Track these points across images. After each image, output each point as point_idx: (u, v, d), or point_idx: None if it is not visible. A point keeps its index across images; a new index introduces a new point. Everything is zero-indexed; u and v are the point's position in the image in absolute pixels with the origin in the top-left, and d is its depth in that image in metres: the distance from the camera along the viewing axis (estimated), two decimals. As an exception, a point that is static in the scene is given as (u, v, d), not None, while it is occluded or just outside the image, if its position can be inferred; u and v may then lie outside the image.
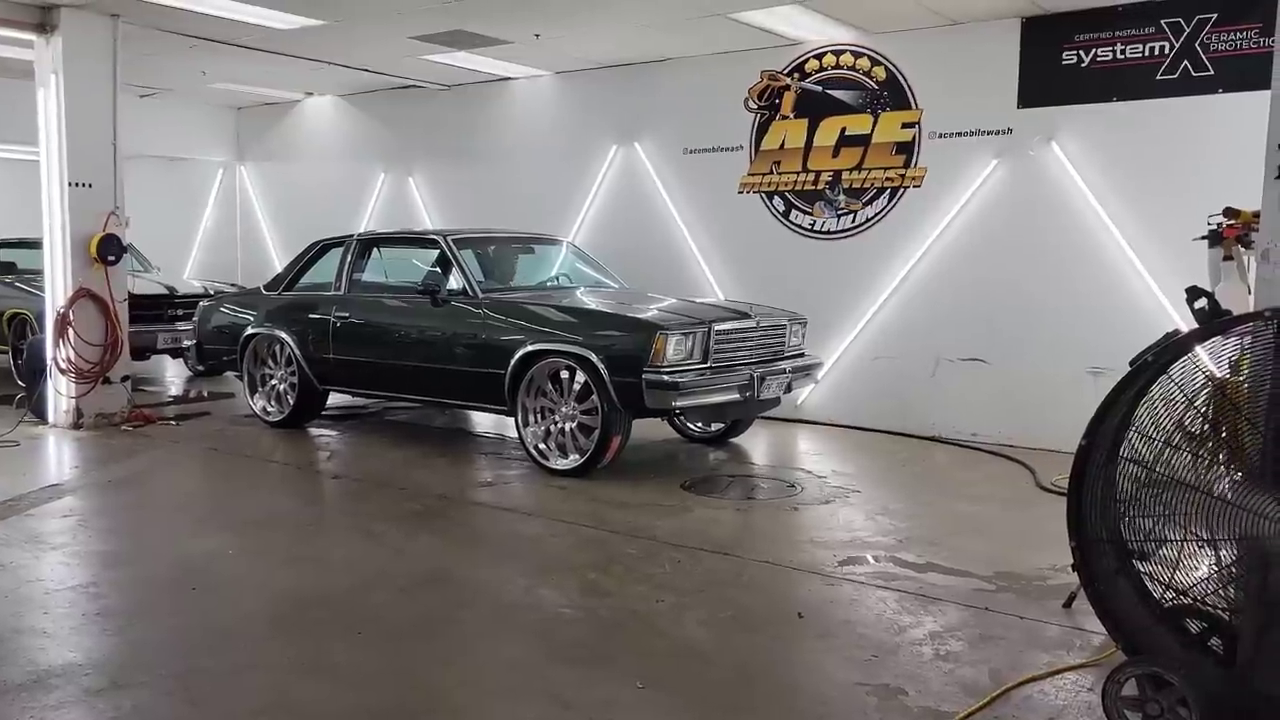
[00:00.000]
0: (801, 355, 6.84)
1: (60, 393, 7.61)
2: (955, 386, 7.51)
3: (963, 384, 7.47)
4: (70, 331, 7.47)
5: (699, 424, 7.25)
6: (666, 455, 6.98)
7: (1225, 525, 2.82)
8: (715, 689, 3.35)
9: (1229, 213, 3.97)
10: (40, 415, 7.76)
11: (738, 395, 6.18)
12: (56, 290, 7.60)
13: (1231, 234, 3.87)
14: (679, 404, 6.00)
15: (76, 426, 7.57)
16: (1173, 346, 2.87)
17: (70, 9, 7.27)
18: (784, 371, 6.49)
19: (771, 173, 8.31)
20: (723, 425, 7.19)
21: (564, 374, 6.23)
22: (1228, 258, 3.90)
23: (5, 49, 8.50)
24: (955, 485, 6.26)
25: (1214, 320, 2.85)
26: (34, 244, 8.72)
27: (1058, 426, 6.68)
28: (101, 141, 7.56)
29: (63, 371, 7.53)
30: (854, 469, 6.70)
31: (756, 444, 7.35)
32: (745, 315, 6.48)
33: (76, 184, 7.47)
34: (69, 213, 7.46)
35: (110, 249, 7.55)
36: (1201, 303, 2.87)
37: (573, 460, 6.22)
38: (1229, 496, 2.84)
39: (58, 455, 6.93)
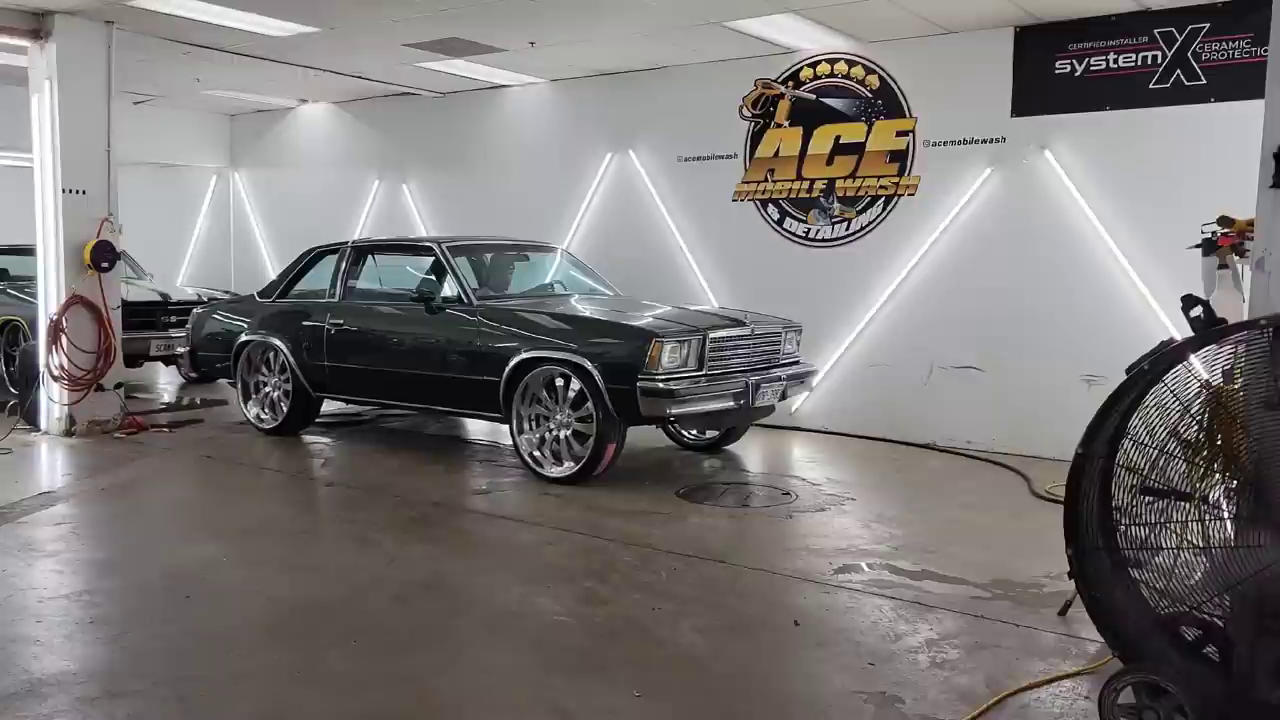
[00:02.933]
0: (796, 363, 6.85)
1: (53, 400, 7.58)
2: (949, 394, 7.52)
3: (957, 392, 7.49)
4: (63, 338, 7.45)
5: (694, 431, 7.26)
6: (661, 463, 6.97)
7: (1220, 533, 2.83)
8: (713, 697, 3.35)
9: (1223, 221, 3.99)
10: (32, 422, 7.73)
11: (733, 403, 6.19)
12: (49, 297, 7.58)
13: (1226, 242, 3.89)
14: (674, 411, 6.01)
15: (69, 434, 7.54)
16: (1168, 355, 2.88)
17: (65, 15, 7.27)
18: (779, 379, 6.50)
19: (766, 181, 8.33)
20: (717, 432, 7.20)
21: (559, 381, 6.22)
22: (1222, 266, 3.92)
23: (0, 55, 8.49)
24: (950, 493, 6.27)
25: (1209, 328, 2.86)
26: (26, 250, 8.69)
27: (1051, 434, 6.70)
28: (95, 148, 7.55)
29: (55, 378, 7.50)
30: (849, 476, 6.71)
31: (751, 451, 7.35)
32: (740, 323, 6.48)
33: (70, 190, 7.46)
34: (63, 219, 7.45)
35: (104, 255, 7.53)
36: (1197, 311, 2.88)
37: (568, 468, 6.21)
38: (1223, 504, 2.86)
39: (50, 462, 6.90)
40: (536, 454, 6.35)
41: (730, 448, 7.32)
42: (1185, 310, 2.92)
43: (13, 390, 8.40)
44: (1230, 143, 6.23)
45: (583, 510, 5.64)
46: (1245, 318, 3.13)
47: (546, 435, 6.33)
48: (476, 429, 8.18)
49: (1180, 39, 6.57)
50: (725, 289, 8.52)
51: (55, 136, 7.39)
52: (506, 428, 6.60)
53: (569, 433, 6.23)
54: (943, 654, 3.67)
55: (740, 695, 3.36)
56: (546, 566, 4.74)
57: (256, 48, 8.29)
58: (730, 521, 5.58)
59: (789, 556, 4.88)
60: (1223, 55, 6.44)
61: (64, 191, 7.44)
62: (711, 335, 6.16)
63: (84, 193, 7.53)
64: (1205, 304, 2.90)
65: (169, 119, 11.53)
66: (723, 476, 6.65)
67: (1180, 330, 4.27)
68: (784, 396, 6.70)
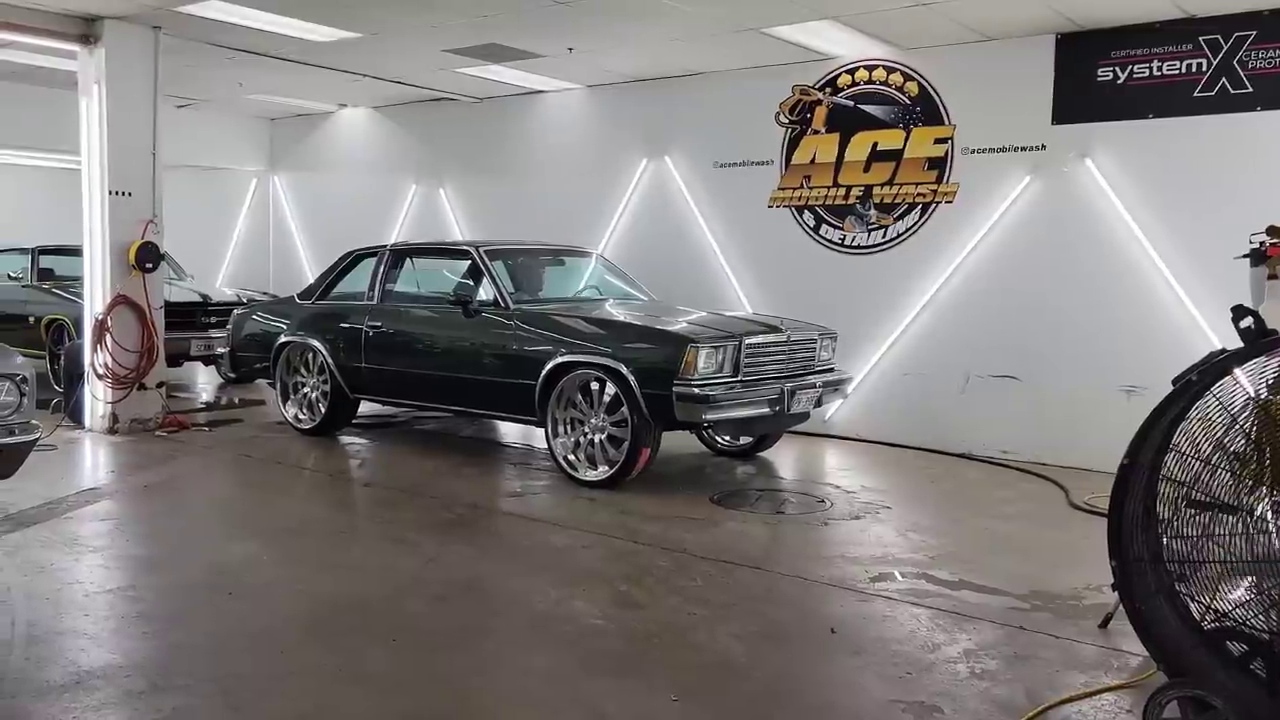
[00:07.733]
0: (831, 370, 6.83)
1: (97, 398, 7.72)
2: (986, 403, 7.46)
3: (994, 401, 7.43)
4: (108, 338, 7.58)
5: (727, 437, 7.26)
6: (694, 468, 6.98)
7: (1266, 547, 2.80)
8: (751, 703, 3.35)
9: (1272, 231, 3.94)
10: (77, 419, 7.88)
11: (768, 409, 6.18)
12: (95, 297, 7.71)
13: (1276, 252, 3.84)
14: (709, 417, 6.00)
15: (112, 431, 7.67)
16: (1216, 366, 2.85)
17: (114, 21, 7.40)
18: (814, 386, 6.48)
19: (802, 187, 8.32)
20: (751, 439, 7.19)
21: (594, 385, 6.25)
22: (1272, 276, 3.87)
23: (49, 60, 8.66)
24: (986, 503, 6.22)
25: (1260, 339, 2.83)
26: (71, 251, 8.86)
27: (1090, 445, 6.67)
28: (142, 151, 7.69)
29: (100, 377, 7.63)
30: (884, 485, 6.67)
31: (784, 458, 7.33)
32: (776, 329, 6.48)
33: (117, 192, 7.59)
34: (109, 220, 7.58)
35: (148, 256, 7.66)
36: (1247, 322, 2.85)
37: (602, 472, 6.24)
38: (1270, 518, 2.82)
39: (94, 459, 7.02)
40: (571, 458, 6.37)
41: (764, 454, 7.31)
42: (1236, 321, 2.89)
43: (58, 388, 8.56)
44: (1275, 152, 6.17)
45: (617, 514, 5.65)
46: (1296, 329, 3.09)
47: (581, 439, 6.35)
48: (510, 432, 8.23)
49: (1226, 46, 6.49)
50: (760, 295, 8.51)
51: (103, 139, 7.53)
52: (539, 431, 6.63)
53: (604, 437, 6.25)
54: (981, 664, 3.65)
55: (778, 702, 3.35)
56: (582, 570, 4.75)
57: (299, 53, 8.40)
58: (765, 528, 5.57)
59: (825, 564, 4.87)
60: (1269, 63, 6.35)
61: (110, 193, 7.57)
62: (747, 341, 6.16)
63: (130, 194, 7.65)
64: (1256, 315, 2.87)
65: (211, 122, 11.71)
66: (757, 483, 6.65)
67: (1223, 340, 4.22)
68: (819, 404, 6.69)
